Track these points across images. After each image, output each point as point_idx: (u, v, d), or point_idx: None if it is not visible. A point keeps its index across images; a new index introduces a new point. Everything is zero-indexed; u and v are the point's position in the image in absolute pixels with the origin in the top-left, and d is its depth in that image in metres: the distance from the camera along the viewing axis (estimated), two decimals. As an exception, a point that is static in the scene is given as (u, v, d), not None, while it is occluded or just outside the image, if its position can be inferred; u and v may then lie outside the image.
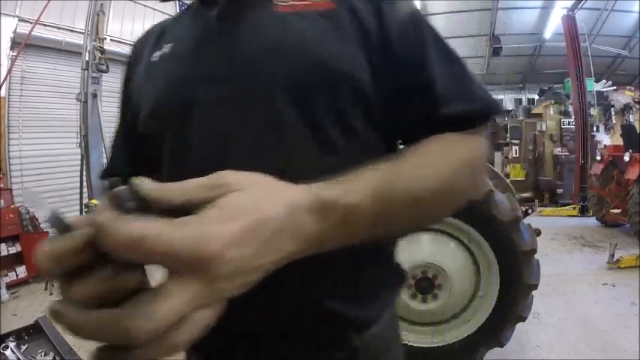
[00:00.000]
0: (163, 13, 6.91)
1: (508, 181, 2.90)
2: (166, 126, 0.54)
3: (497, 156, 10.88)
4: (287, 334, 0.52)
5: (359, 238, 0.40)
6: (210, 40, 0.54)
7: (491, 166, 2.57)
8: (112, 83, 5.53)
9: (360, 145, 0.51)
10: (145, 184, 0.29)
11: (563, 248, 5.04)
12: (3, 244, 4.15)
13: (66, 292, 0.28)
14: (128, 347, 0.26)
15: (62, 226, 0.28)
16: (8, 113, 4.68)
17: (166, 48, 0.57)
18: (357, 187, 0.39)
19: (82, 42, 3.09)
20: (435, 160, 0.46)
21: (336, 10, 0.51)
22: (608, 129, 8.93)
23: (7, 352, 1.23)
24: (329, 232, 0.36)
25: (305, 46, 0.49)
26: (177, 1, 7.00)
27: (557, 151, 8.91)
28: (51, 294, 3.98)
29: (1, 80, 4.26)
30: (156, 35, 0.64)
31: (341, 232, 0.38)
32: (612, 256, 4.16)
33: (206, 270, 0.28)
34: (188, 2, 0.68)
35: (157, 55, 0.58)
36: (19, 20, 4.75)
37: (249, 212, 0.31)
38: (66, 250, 0.27)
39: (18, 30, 4.61)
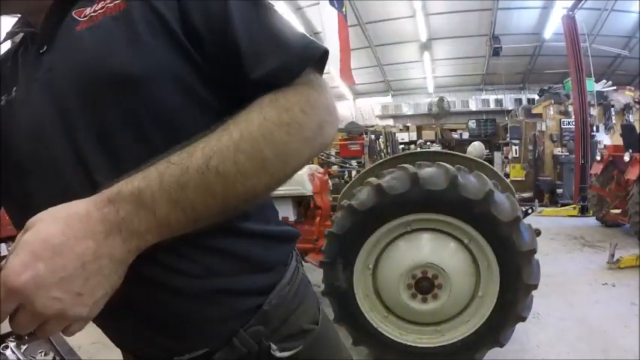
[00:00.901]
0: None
1: (508, 181, 2.90)
2: (22, 175, 0.55)
3: (497, 156, 10.91)
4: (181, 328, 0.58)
5: (175, 222, 0.43)
6: (38, 77, 0.54)
7: (491, 166, 2.56)
8: (112, 83, 5.56)
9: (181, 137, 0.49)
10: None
11: (563, 248, 5.04)
12: (3, 244, 4.14)
13: None
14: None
15: None
16: (8, 113, 4.69)
17: (13, 92, 0.57)
18: (141, 175, 0.43)
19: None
20: (238, 132, 0.45)
21: (125, 10, 0.51)
22: (608, 129, 8.93)
23: (7, 352, 1.23)
24: (130, 218, 0.41)
25: (102, 67, 0.49)
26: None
27: (557, 151, 8.92)
28: (51, 294, 3.99)
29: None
30: None
31: (146, 216, 0.42)
32: (612, 256, 4.16)
33: (22, 294, 0.37)
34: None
35: (4, 99, 0.58)
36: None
37: (33, 240, 0.38)
38: None
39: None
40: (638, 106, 8.89)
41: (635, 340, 2.65)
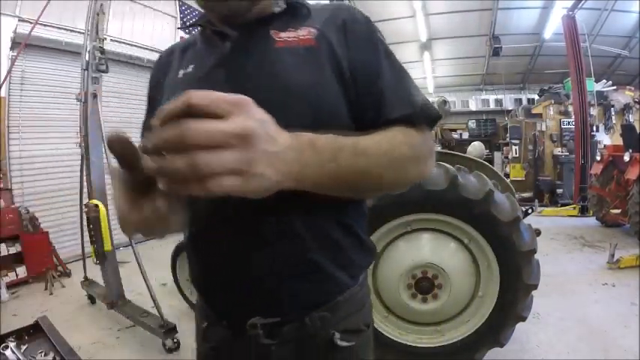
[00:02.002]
0: (164, 13, 6.93)
1: (508, 181, 2.90)
2: None
3: (497, 156, 10.90)
4: (284, 288, 0.69)
5: (329, 169, 0.53)
6: (224, 67, 0.69)
7: (491, 166, 2.57)
8: (112, 83, 5.56)
9: None
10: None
11: (563, 248, 5.04)
12: (3, 244, 4.15)
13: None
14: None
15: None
16: (8, 113, 4.68)
17: (190, 68, 0.74)
18: (315, 135, 0.53)
19: (82, 42, 3.08)
20: (385, 141, 0.62)
21: (315, 46, 0.68)
22: (608, 129, 8.93)
23: (7, 352, 1.23)
24: (306, 152, 0.50)
25: (288, 81, 0.65)
26: (177, 1, 7.04)
27: (557, 151, 8.92)
28: (51, 294, 3.99)
29: (1, 80, 4.25)
30: (178, 54, 0.80)
31: (313, 154, 0.51)
32: (612, 256, 4.16)
33: (249, 107, 0.43)
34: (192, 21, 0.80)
35: (181, 73, 0.74)
36: (19, 20, 4.75)
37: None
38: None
39: (18, 30, 4.61)
40: (638, 106, 8.89)
41: (635, 340, 2.65)
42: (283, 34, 0.69)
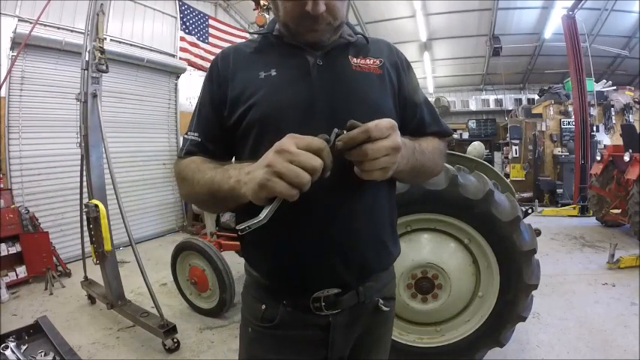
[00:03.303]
0: (164, 13, 6.93)
1: (508, 181, 2.90)
2: (281, 118, 0.84)
3: (497, 156, 10.90)
4: (358, 256, 0.88)
5: (408, 163, 0.82)
6: (311, 76, 0.87)
7: (491, 166, 2.57)
8: (112, 83, 5.56)
9: None
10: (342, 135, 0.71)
11: (563, 248, 5.04)
12: (3, 244, 4.15)
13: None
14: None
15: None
16: (8, 113, 4.67)
17: (273, 72, 0.88)
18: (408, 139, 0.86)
19: (82, 42, 3.07)
20: (430, 145, 0.97)
21: (381, 74, 0.94)
22: (608, 129, 8.93)
23: (7, 352, 1.23)
24: (405, 147, 0.78)
25: (366, 96, 0.89)
26: (177, 1, 7.03)
27: (557, 151, 8.92)
28: (51, 294, 3.99)
29: (1, 80, 4.25)
30: (246, 56, 0.94)
31: (405, 151, 0.78)
32: (612, 256, 4.16)
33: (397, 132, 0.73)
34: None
35: (262, 74, 0.88)
36: (19, 20, 4.75)
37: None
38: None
39: (18, 30, 4.60)
40: (638, 106, 8.89)
41: (635, 340, 2.65)
42: (357, 60, 0.92)
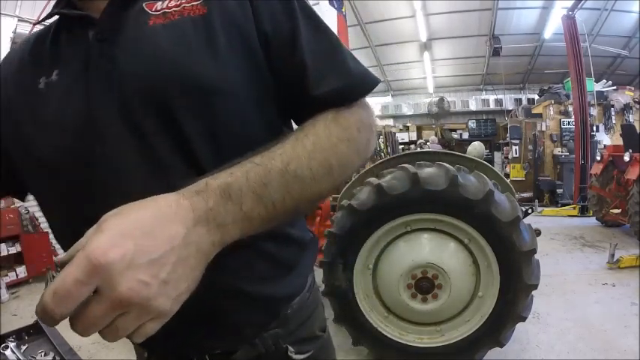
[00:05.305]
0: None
1: (508, 181, 2.90)
2: (56, 164, 0.54)
3: (497, 156, 10.90)
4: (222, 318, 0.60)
5: (257, 217, 0.45)
6: (93, 65, 0.52)
7: (491, 166, 2.56)
8: (112, 83, 5.55)
9: (244, 140, 0.54)
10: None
11: (563, 248, 5.04)
12: (3, 244, 4.15)
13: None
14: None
15: None
16: (8, 113, 4.68)
17: (54, 75, 0.54)
18: (226, 173, 0.44)
19: (82, 42, 3.08)
20: (310, 143, 0.50)
21: (206, 15, 0.52)
22: (608, 129, 8.93)
23: (7, 352, 1.23)
24: (218, 209, 0.41)
25: (178, 69, 0.50)
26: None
27: (557, 151, 8.92)
28: (51, 294, 3.99)
29: (1, 80, 4.25)
30: (29, 53, 0.59)
31: (233, 208, 0.42)
32: (612, 256, 4.15)
33: (107, 273, 0.33)
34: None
35: (42, 81, 0.55)
36: (19, 20, 4.75)
37: (121, 222, 0.36)
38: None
39: (18, 30, 4.60)
40: (638, 106, 8.88)
41: (635, 340, 2.65)
42: (160, 4, 0.53)
